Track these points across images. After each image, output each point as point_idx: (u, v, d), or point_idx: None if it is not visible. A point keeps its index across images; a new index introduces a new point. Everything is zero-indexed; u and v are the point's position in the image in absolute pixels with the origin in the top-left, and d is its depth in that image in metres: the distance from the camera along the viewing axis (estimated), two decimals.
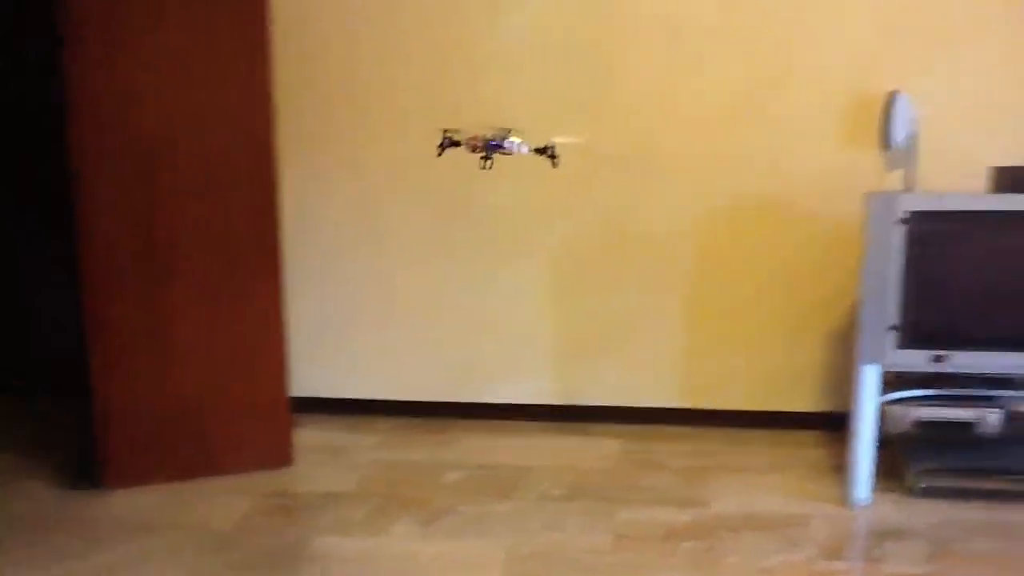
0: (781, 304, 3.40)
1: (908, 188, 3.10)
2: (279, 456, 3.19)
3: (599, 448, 3.34)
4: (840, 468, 2.99)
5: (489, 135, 3.04)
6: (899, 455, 2.98)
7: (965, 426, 2.90)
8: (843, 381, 3.12)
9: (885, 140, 3.06)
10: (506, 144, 3.03)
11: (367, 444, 3.42)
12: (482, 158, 3.06)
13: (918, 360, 2.74)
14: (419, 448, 3.38)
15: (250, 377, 3.12)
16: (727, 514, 2.80)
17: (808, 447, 3.28)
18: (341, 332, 3.64)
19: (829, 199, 3.22)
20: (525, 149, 3.06)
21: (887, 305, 2.70)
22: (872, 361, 2.76)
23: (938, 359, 2.73)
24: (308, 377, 3.63)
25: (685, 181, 3.37)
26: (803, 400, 3.44)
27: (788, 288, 3.37)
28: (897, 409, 2.93)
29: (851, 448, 2.82)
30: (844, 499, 2.85)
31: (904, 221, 2.65)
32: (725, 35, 3.26)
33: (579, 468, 3.15)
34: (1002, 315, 2.72)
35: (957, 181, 3.03)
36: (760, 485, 3.01)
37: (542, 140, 3.21)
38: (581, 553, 2.58)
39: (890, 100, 3.02)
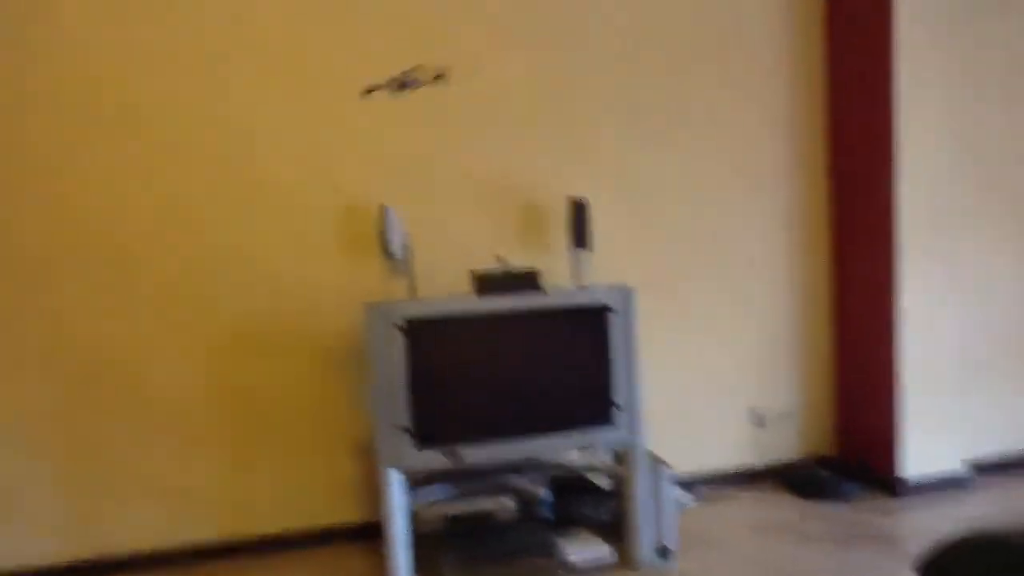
0: (308, 423, 3.39)
1: (410, 296, 3.29)
2: None
3: None
4: (383, 573, 3.00)
5: None
6: (434, 552, 3.07)
7: (487, 515, 3.10)
8: (377, 488, 3.17)
9: (384, 250, 3.24)
10: None
11: None
12: None
13: (433, 459, 2.87)
14: None
15: None
16: None
17: (353, 558, 3.26)
18: None
19: (343, 311, 3.31)
20: None
21: (398, 409, 2.82)
22: (392, 464, 2.83)
23: (450, 454, 2.88)
24: None
25: (184, 308, 3.26)
26: (341, 512, 3.43)
27: (315, 403, 3.37)
28: (425, 508, 3.05)
29: (388, 552, 2.86)
30: None
31: (401, 328, 2.81)
32: (218, 160, 3.24)
33: None
34: (498, 407, 2.94)
35: (448, 285, 3.28)
36: None
37: None
38: None
39: (382, 213, 3.22)
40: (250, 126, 3.24)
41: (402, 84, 3.28)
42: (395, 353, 2.80)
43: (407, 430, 2.83)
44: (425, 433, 2.85)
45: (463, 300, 2.90)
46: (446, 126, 3.39)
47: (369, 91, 3.27)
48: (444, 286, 3.29)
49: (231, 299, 3.28)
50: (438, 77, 3.32)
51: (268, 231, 3.29)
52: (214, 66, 3.19)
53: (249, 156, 3.25)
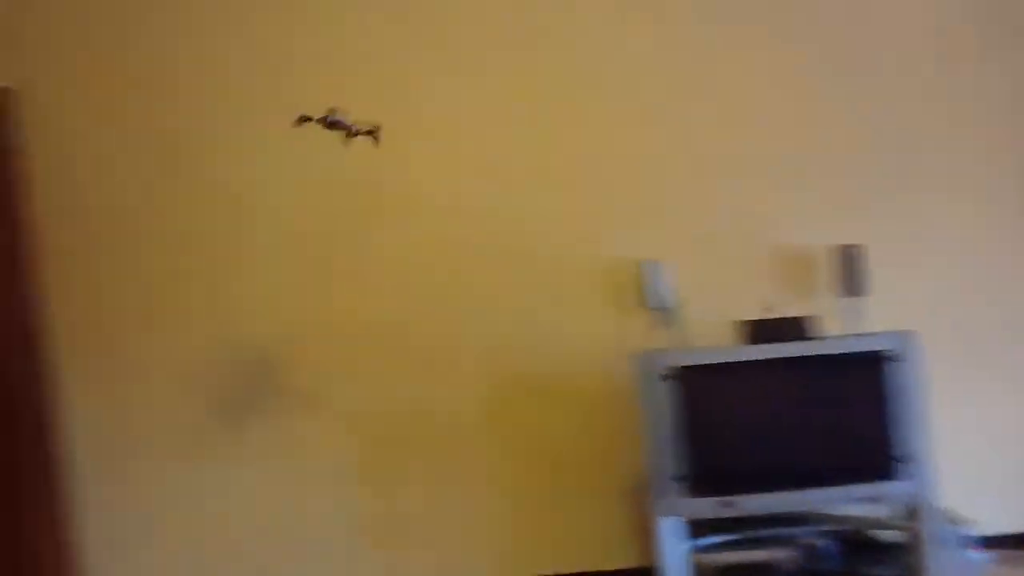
0: (579, 470, 3.48)
1: (674, 345, 3.31)
2: None
3: None
4: None
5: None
6: None
7: (766, 567, 3.04)
8: (650, 535, 3.21)
9: (648, 303, 3.32)
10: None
11: None
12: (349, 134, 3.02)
13: (707, 508, 2.87)
14: None
15: None
16: None
17: None
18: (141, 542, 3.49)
19: (613, 360, 3.34)
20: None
21: (669, 458, 2.86)
22: (665, 512, 2.88)
23: (726, 505, 2.88)
24: None
25: (465, 364, 3.47)
26: (616, 557, 3.47)
27: (588, 449, 3.46)
28: (701, 557, 3.04)
29: None
30: None
31: (667, 377, 2.86)
32: (487, 216, 3.45)
33: None
34: (773, 457, 2.91)
35: (713, 336, 3.25)
36: None
37: None
38: None
39: (646, 267, 3.31)
40: (519, 193, 3.46)
41: None
42: (665, 401, 2.85)
43: (680, 478, 2.86)
44: (699, 481, 2.86)
45: (733, 348, 2.91)
46: (706, 176, 3.44)
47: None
48: (710, 336, 3.29)
49: (507, 351, 3.47)
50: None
51: (538, 286, 3.47)
52: (483, 136, 3.46)
53: (517, 219, 3.46)
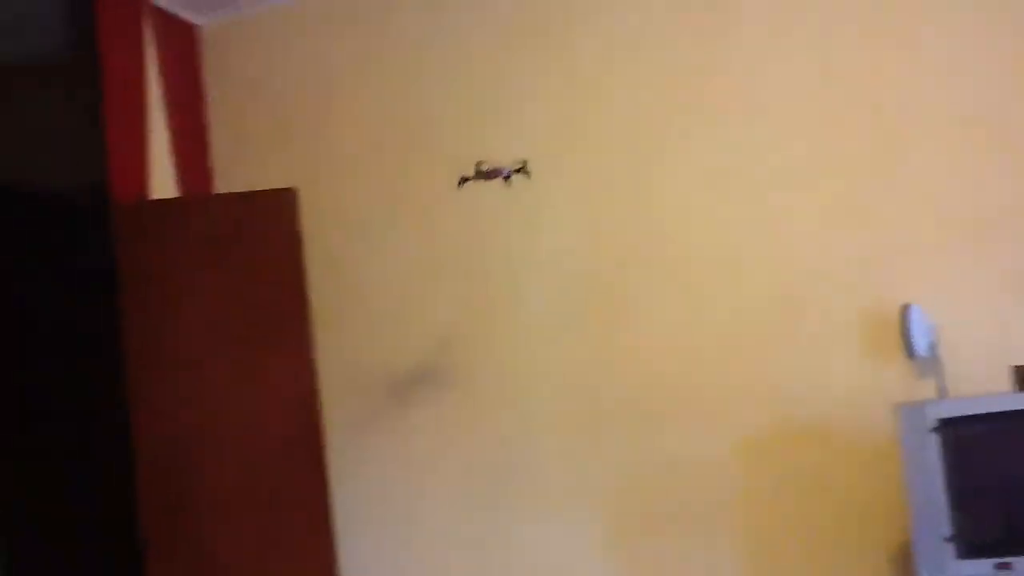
0: (836, 527, 3.32)
1: (939, 396, 3.12)
2: None
3: None
4: None
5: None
6: None
7: None
8: None
9: (908, 350, 3.12)
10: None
11: None
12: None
13: (982, 570, 2.65)
14: None
15: None
16: None
17: None
18: None
19: (870, 413, 3.20)
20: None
21: (938, 516, 2.66)
22: (933, 574, 2.69)
23: (1002, 567, 2.65)
24: None
25: (716, 417, 3.43)
26: None
27: (841, 510, 3.31)
28: None
29: None
30: None
31: (936, 430, 2.67)
32: (732, 264, 3.44)
33: None
34: None
35: (983, 383, 3.04)
36: None
37: None
38: None
39: (905, 311, 3.12)
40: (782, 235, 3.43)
41: None
42: (931, 456, 2.67)
43: (949, 538, 2.66)
44: (970, 542, 2.65)
45: (1005, 397, 2.71)
46: (959, 205, 3.27)
47: None
48: (977, 385, 3.07)
49: (754, 405, 3.41)
50: None
51: (787, 338, 3.40)
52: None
53: (773, 269, 3.44)
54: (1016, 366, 2.82)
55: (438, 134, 3.75)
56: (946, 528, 2.66)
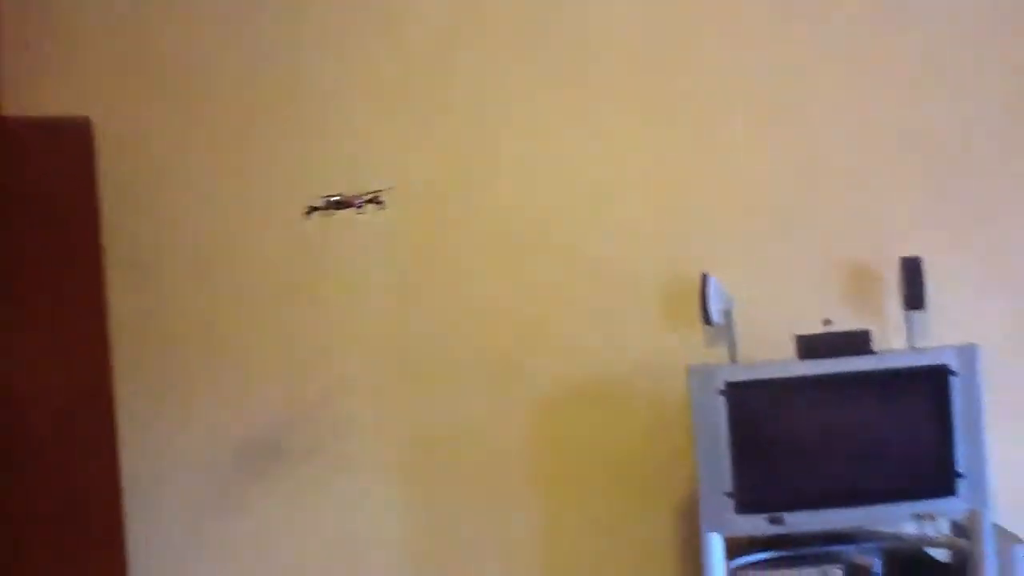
0: (627, 482, 3.47)
1: (729, 360, 3.31)
2: None
3: None
4: None
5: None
6: None
7: None
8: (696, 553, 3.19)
9: (704, 317, 3.29)
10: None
11: None
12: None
13: (757, 524, 2.85)
14: None
15: None
16: None
17: None
18: None
19: (662, 376, 3.36)
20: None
21: (721, 474, 2.84)
22: (713, 529, 2.85)
23: (775, 521, 2.84)
24: None
25: (513, 378, 3.50)
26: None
27: (632, 469, 3.46)
28: (746, 574, 3.01)
29: None
30: None
31: (723, 392, 2.84)
32: (541, 229, 3.50)
33: None
34: (825, 474, 2.89)
35: (769, 352, 3.21)
36: None
37: None
38: None
39: (704, 281, 3.28)
40: (585, 200, 3.52)
41: None
42: (718, 417, 2.83)
43: (730, 495, 2.83)
44: (748, 498, 2.84)
45: (788, 364, 2.89)
46: (760, 188, 3.47)
47: None
48: (766, 352, 3.26)
49: (553, 365, 3.50)
50: None
51: (589, 301, 3.50)
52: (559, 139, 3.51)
53: (582, 237, 3.52)
54: (798, 335, 3.00)
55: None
56: (728, 484, 2.83)
